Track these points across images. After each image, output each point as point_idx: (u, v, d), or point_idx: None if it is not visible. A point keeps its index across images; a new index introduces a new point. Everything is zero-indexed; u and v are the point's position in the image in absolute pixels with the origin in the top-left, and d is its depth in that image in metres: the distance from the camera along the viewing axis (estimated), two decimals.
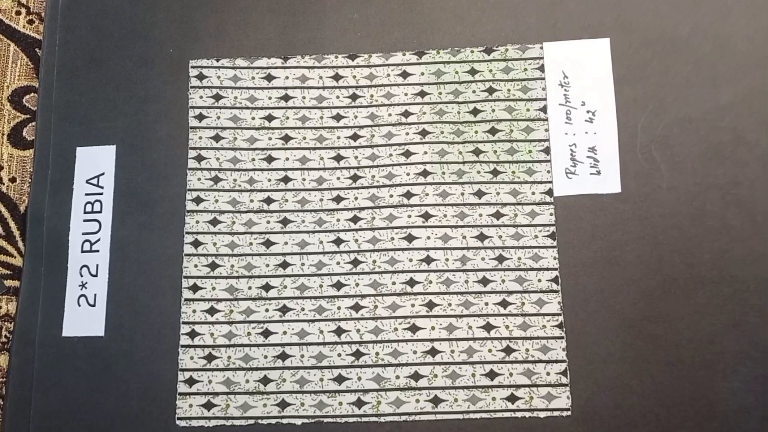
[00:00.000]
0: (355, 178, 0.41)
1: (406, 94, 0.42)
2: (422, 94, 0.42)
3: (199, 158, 0.42)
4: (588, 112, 0.42)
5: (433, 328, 0.39)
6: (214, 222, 0.41)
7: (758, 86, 0.41)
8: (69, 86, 0.43)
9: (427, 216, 0.40)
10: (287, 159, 0.42)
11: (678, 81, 0.41)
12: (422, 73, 0.43)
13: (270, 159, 0.42)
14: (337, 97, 0.43)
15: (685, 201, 0.40)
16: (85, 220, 0.41)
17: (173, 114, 0.43)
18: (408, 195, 0.41)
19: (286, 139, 0.42)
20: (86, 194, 0.41)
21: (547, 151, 0.41)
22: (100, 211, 0.41)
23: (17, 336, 0.39)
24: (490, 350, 0.39)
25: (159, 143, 0.42)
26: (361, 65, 0.43)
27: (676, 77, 0.41)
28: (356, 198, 0.41)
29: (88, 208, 0.41)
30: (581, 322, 0.39)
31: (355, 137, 0.42)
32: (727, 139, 0.40)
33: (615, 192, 0.41)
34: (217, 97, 0.43)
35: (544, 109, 0.42)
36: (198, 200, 0.41)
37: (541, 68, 0.42)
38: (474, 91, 0.42)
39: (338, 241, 0.40)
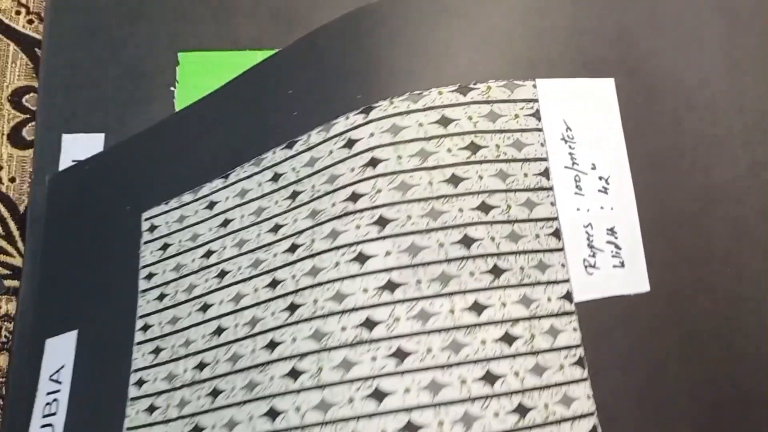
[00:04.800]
0: (292, 308, 0.27)
1: (352, 170, 0.28)
2: (373, 163, 0.28)
3: (145, 328, 0.33)
4: (601, 178, 0.30)
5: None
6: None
7: None
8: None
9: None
10: (221, 302, 0.30)
11: (695, 139, 0.31)
12: (372, 134, 0.28)
13: (205, 307, 0.31)
14: (276, 202, 0.30)
15: (726, 299, 0.30)
16: None
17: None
18: (369, 324, 0.26)
19: (222, 275, 0.30)
20: None
21: (557, 234, 0.29)
22: None
23: (17, 336, 0.37)
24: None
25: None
26: (300, 151, 0.30)
27: (693, 135, 0.31)
28: (294, 340, 0.26)
29: None
30: None
31: (293, 248, 0.28)
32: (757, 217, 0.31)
33: (643, 291, 0.29)
34: (165, 247, 0.34)
35: (546, 174, 0.29)
36: (140, 382, 0.32)
37: (536, 114, 0.30)
38: (449, 150, 0.28)
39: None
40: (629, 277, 0.29)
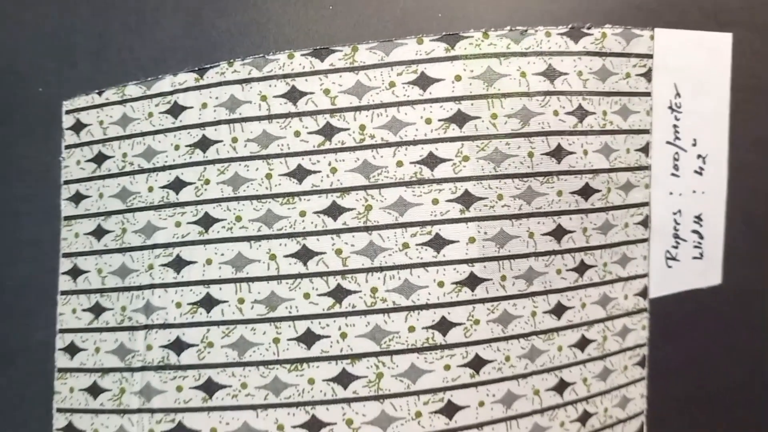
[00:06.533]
0: (337, 295, 0.23)
1: (428, 122, 0.22)
2: (458, 119, 0.22)
3: (75, 272, 0.24)
4: (699, 157, 0.26)
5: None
6: None
7: None
8: None
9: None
10: (209, 263, 0.23)
11: None
12: (457, 78, 0.22)
13: (179, 263, 0.23)
14: (296, 133, 0.22)
15: None
16: None
17: None
18: (443, 326, 0.22)
19: (206, 222, 0.22)
20: None
21: (645, 222, 0.25)
22: None
23: None
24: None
25: None
26: (338, 68, 0.22)
27: None
28: (344, 336, 0.23)
29: None
30: None
31: (333, 210, 0.22)
32: None
33: (715, 284, 0.27)
34: (100, 160, 0.24)
35: (646, 150, 0.25)
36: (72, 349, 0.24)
37: (648, 75, 0.25)
38: (556, 113, 0.23)
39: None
40: (705, 269, 0.27)
